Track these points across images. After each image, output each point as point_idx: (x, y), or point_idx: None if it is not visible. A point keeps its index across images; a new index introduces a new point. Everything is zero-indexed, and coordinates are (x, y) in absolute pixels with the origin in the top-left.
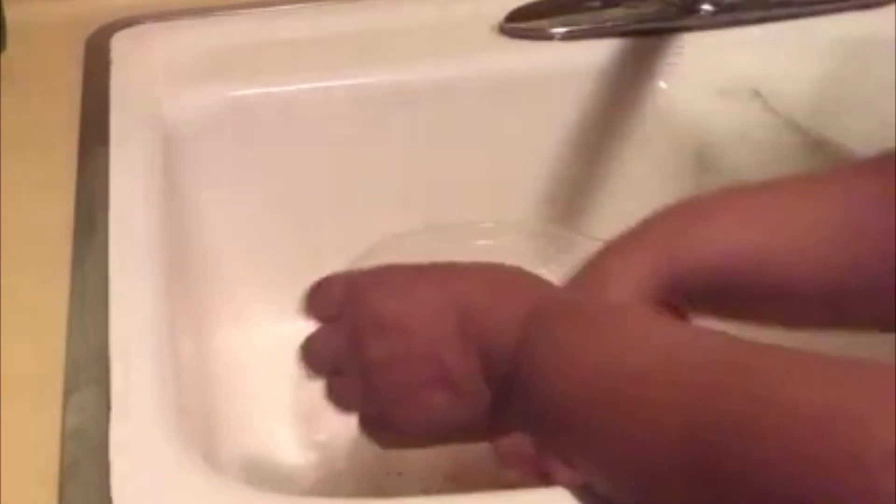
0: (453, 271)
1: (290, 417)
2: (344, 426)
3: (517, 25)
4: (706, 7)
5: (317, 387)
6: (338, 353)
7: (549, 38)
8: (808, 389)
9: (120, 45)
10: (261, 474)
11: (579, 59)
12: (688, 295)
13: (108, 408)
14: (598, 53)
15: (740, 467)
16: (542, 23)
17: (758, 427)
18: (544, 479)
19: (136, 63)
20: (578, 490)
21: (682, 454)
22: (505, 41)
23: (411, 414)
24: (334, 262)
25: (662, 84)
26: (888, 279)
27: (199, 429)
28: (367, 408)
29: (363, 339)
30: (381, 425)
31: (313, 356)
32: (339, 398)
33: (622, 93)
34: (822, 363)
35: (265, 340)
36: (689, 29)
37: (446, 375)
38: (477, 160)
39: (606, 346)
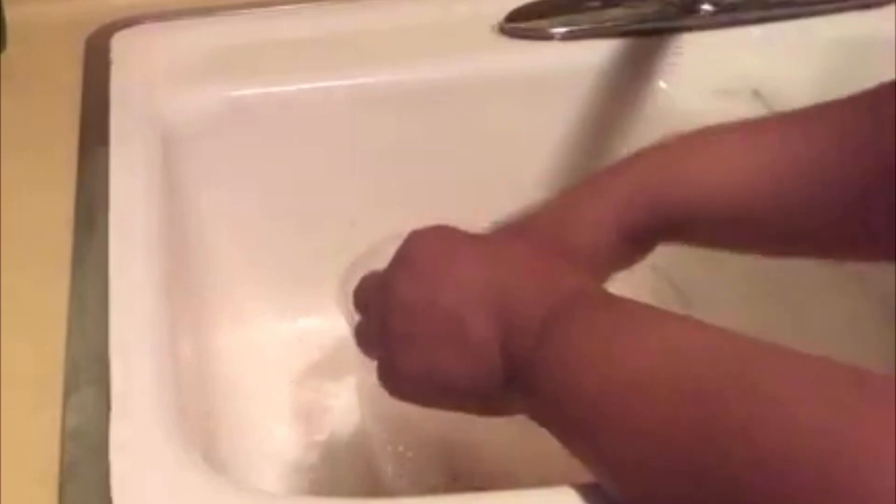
0: (497, 245)
1: (289, 417)
2: (344, 426)
3: (517, 25)
4: (706, 7)
5: (316, 386)
6: (370, 292)
7: (549, 38)
8: (811, 409)
9: (120, 45)
10: (261, 474)
11: (579, 59)
12: (661, 229)
13: (108, 408)
14: (598, 53)
15: (744, 472)
16: (542, 23)
17: (760, 444)
18: None
19: (136, 63)
20: (582, 489)
21: (686, 457)
22: (505, 41)
23: (420, 362)
24: (334, 262)
25: (662, 84)
26: (879, 217)
27: (199, 429)
28: (383, 349)
29: (393, 280)
30: (391, 368)
31: (357, 293)
32: (362, 337)
33: (622, 93)
34: (827, 378)
35: (265, 340)
36: (689, 29)
37: (463, 336)
38: (477, 160)
39: (619, 344)
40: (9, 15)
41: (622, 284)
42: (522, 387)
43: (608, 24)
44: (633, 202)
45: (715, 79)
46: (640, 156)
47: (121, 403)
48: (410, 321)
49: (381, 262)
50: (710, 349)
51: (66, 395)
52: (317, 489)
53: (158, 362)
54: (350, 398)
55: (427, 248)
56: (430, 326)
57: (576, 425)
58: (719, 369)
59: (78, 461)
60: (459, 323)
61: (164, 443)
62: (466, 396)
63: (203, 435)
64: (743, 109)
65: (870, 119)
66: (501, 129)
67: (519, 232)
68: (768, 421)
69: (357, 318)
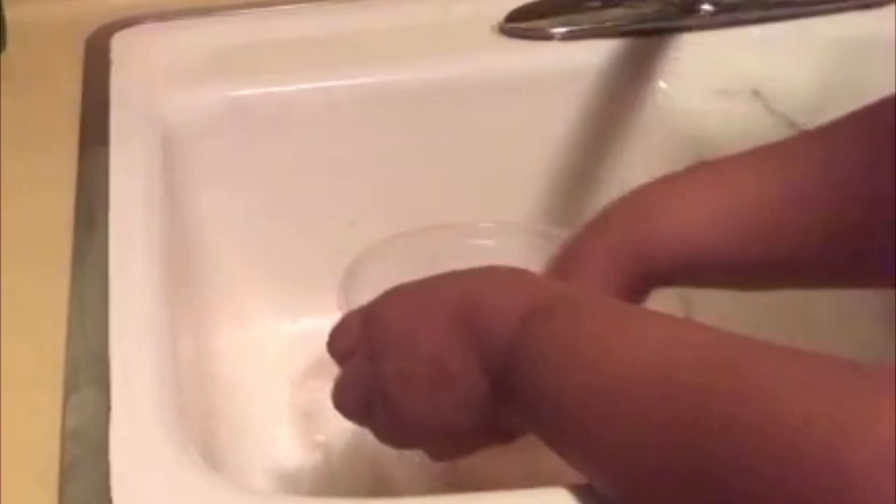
0: (453, 277)
1: (289, 417)
2: (344, 426)
3: (517, 25)
4: (706, 7)
5: (316, 387)
6: (363, 387)
7: (549, 38)
8: (799, 396)
9: (120, 45)
10: (261, 474)
11: (579, 59)
12: (648, 276)
13: (108, 408)
14: (598, 53)
15: (727, 471)
16: (542, 23)
17: (745, 432)
18: None
19: (136, 63)
20: (578, 490)
21: (671, 454)
22: (505, 41)
23: (420, 418)
24: (334, 262)
25: (662, 84)
26: (869, 245)
27: (199, 429)
28: (384, 417)
29: (376, 362)
30: (393, 429)
31: (343, 397)
32: (379, 434)
33: (622, 93)
34: (817, 368)
35: (265, 340)
36: (689, 29)
37: (448, 377)
38: (477, 160)
39: (602, 341)
40: (9, 15)
41: None
42: (507, 397)
43: (608, 24)
44: (615, 265)
45: (715, 79)
46: (613, 213)
47: (121, 403)
48: (403, 389)
49: (380, 262)
50: (694, 343)
51: (66, 395)
52: (316, 489)
53: (158, 362)
54: None
55: (390, 318)
56: (420, 385)
57: (559, 424)
58: (703, 361)
59: (78, 461)
60: (442, 367)
61: (164, 443)
62: (468, 433)
63: (203, 435)
64: (743, 109)
65: (865, 148)
66: (501, 129)
67: None
68: (754, 411)
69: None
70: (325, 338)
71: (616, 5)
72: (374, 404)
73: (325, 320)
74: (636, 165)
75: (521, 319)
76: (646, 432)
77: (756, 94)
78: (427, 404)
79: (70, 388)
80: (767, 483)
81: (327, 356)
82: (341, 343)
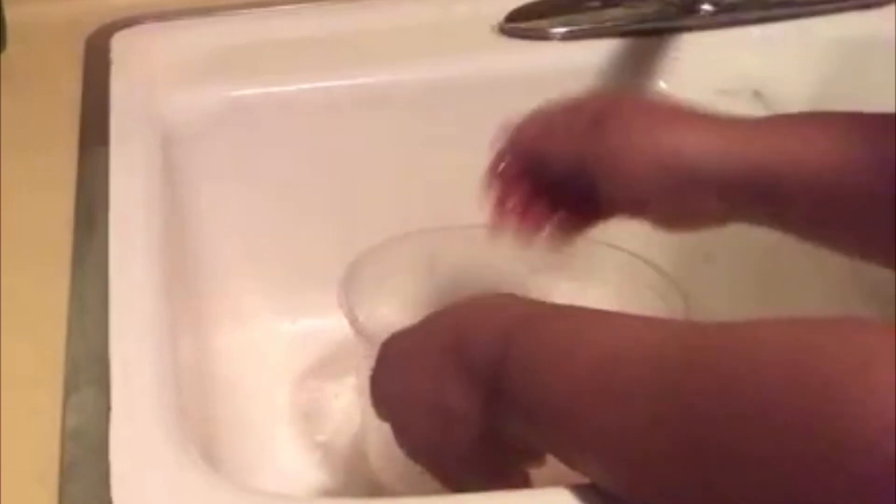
0: (440, 318)
1: (289, 417)
2: (344, 426)
3: (517, 25)
4: (706, 7)
5: (316, 387)
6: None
7: (549, 38)
8: (787, 354)
9: (120, 45)
10: (261, 474)
11: (579, 59)
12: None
13: (108, 408)
14: (598, 53)
15: (720, 434)
16: (542, 23)
17: (732, 394)
18: None
19: (136, 63)
20: (579, 489)
21: (659, 433)
22: (505, 41)
23: (433, 462)
24: (334, 263)
25: (662, 84)
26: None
27: (199, 429)
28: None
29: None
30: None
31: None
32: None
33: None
34: (801, 324)
35: (265, 340)
36: (689, 29)
37: (450, 422)
38: (477, 160)
39: (580, 333)
40: (9, 15)
41: (619, 279)
42: (502, 409)
43: (608, 24)
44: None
45: (715, 79)
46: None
47: (121, 403)
48: (410, 442)
49: (380, 262)
50: (673, 330)
51: (66, 395)
52: (316, 489)
53: (158, 362)
54: (350, 398)
55: (383, 377)
56: (427, 439)
57: (553, 423)
58: (682, 343)
59: (78, 461)
60: (446, 412)
61: (164, 443)
62: (480, 462)
63: (203, 435)
64: (743, 109)
65: None
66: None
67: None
68: (739, 368)
69: (358, 316)
70: (325, 338)
71: (616, 5)
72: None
73: (325, 320)
74: None
75: (504, 335)
76: (631, 414)
77: (756, 94)
78: (436, 453)
79: (70, 388)
80: (762, 445)
81: (327, 356)
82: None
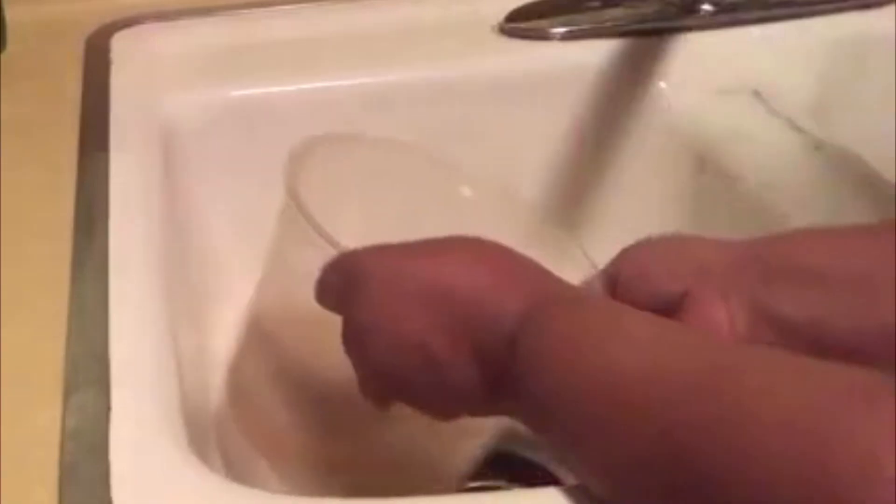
0: (446, 259)
1: None
2: None
3: (517, 25)
4: (706, 7)
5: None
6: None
7: (549, 38)
8: (793, 399)
9: (120, 45)
10: (261, 474)
11: (579, 59)
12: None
13: (108, 408)
14: (598, 53)
15: (713, 472)
16: (542, 23)
17: (734, 433)
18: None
19: (136, 63)
20: (576, 490)
21: (659, 454)
22: (505, 41)
23: (395, 389)
24: None
25: (662, 84)
26: None
27: (199, 429)
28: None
29: (358, 334)
30: (378, 395)
31: (326, 290)
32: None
33: (622, 93)
34: (809, 372)
35: None
36: (689, 29)
37: (434, 363)
38: (476, 160)
39: (597, 343)
40: (9, 15)
41: None
42: (505, 393)
43: (608, 24)
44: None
45: (715, 79)
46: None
47: (121, 403)
48: (385, 365)
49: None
50: (685, 344)
51: (66, 395)
52: (316, 489)
53: (158, 362)
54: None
55: (374, 289)
56: (400, 365)
57: (559, 428)
58: (693, 364)
59: (78, 461)
60: (427, 353)
61: (164, 443)
62: (449, 409)
63: (203, 435)
64: (743, 109)
65: None
66: (501, 129)
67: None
68: (741, 419)
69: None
70: None
71: (616, 5)
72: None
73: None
74: (636, 165)
75: (518, 318)
76: (634, 432)
77: (756, 94)
78: (412, 383)
79: (70, 388)
80: (755, 486)
81: None
82: (325, 299)
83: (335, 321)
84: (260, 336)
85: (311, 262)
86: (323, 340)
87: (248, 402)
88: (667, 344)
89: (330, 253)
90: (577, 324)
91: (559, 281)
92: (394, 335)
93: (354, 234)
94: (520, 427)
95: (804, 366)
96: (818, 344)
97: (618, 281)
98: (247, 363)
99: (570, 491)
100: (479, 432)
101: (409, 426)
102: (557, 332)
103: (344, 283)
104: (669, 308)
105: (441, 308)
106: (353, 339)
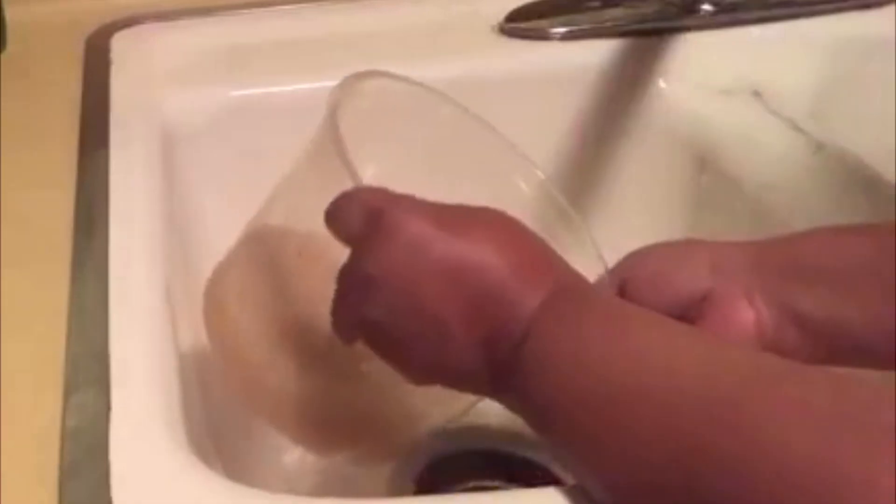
0: (479, 237)
1: None
2: None
3: (517, 25)
4: (706, 7)
5: None
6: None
7: (549, 38)
8: (808, 442)
9: (120, 45)
10: (261, 474)
11: (579, 59)
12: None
13: (108, 408)
14: (598, 53)
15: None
16: (542, 23)
17: (747, 471)
18: None
19: (136, 63)
20: (575, 490)
21: (668, 477)
22: (505, 41)
23: (381, 346)
24: None
25: (662, 84)
26: None
27: (199, 428)
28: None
29: (365, 281)
30: (349, 332)
31: (343, 222)
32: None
33: (622, 93)
34: (828, 409)
35: None
36: (689, 29)
37: (443, 337)
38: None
39: (612, 353)
40: (9, 15)
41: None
42: (507, 385)
43: (608, 24)
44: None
45: (715, 79)
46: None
47: (121, 403)
48: (393, 327)
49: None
50: (700, 359)
51: (66, 395)
52: (316, 489)
53: (158, 362)
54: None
55: (398, 248)
56: (399, 321)
57: (564, 431)
58: (709, 388)
59: (78, 461)
60: (437, 322)
61: (164, 443)
62: (429, 378)
63: (203, 435)
64: (743, 109)
65: None
66: (501, 129)
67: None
68: (754, 457)
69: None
70: None
71: (616, 5)
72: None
73: None
74: (636, 165)
75: (532, 314)
76: (645, 454)
77: (756, 94)
78: (403, 345)
79: (70, 388)
80: None
81: None
82: (338, 230)
83: (336, 255)
84: (253, 252)
85: (331, 193)
86: (315, 269)
87: (222, 316)
88: (680, 363)
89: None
90: (590, 329)
91: (574, 274)
92: (408, 299)
93: (381, 171)
94: (519, 427)
95: (824, 399)
96: (838, 342)
97: (626, 284)
98: (231, 277)
99: (570, 491)
100: (451, 406)
101: (383, 376)
102: (569, 335)
103: (366, 221)
104: (689, 310)
105: (465, 286)
106: (357, 282)
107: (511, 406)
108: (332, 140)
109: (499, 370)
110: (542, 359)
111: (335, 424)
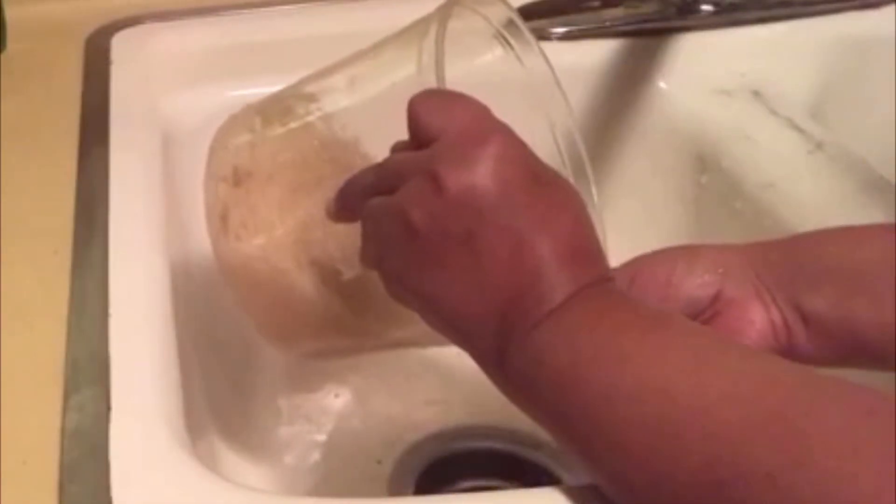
0: (557, 199)
1: (289, 417)
2: (344, 426)
3: None
4: (706, 7)
5: (317, 386)
6: (402, 170)
7: (549, 38)
8: (851, 465)
9: (120, 45)
10: (260, 474)
11: (579, 59)
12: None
13: (108, 408)
14: (598, 53)
15: None
16: (542, 23)
17: (787, 495)
18: None
19: (136, 63)
20: (577, 490)
21: (696, 488)
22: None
23: (422, 271)
24: None
25: (662, 84)
26: None
27: (200, 428)
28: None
29: (436, 188)
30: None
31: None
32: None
33: (622, 93)
34: (870, 431)
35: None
36: (689, 29)
37: (476, 270)
38: None
39: (646, 369)
40: (9, 15)
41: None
42: (502, 360)
43: (608, 24)
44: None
45: (715, 79)
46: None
47: (121, 403)
48: (434, 221)
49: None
50: (744, 387)
51: (66, 395)
52: (316, 489)
53: (158, 362)
54: (350, 398)
55: (490, 174)
56: (445, 239)
57: (564, 430)
58: (747, 420)
59: (78, 461)
60: (478, 260)
61: (164, 443)
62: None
63: (203, 435)
64: (743, 109)
65: None
66: None
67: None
68: (795, 481)
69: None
70: None
71: (616, 5)
72: (384, 227)
73: None
74: (636, 165)
75: (557, 305)
76: (675, 470)
77: (756, 94)
78: (436, 268)
79: (70, 388)
80: None
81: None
82: (419, 126)
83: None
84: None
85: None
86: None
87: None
88: (719, 389)
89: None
90: (624, 340)
91: (609, 277)
92: (466, 217)
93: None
94: (519, 427)
95: (868, 420)
96: (851, 343)
97: (634, 282)
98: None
99: (570, 491)
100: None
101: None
102: (591, 328)
103: (463, 129)
104: (699, 311)
105: (521, 243)
106: (425, 178)
107: (502, 383)
108: (437, 37)
109: (503, 340)
110: (548, 355)
111: (304, 322)
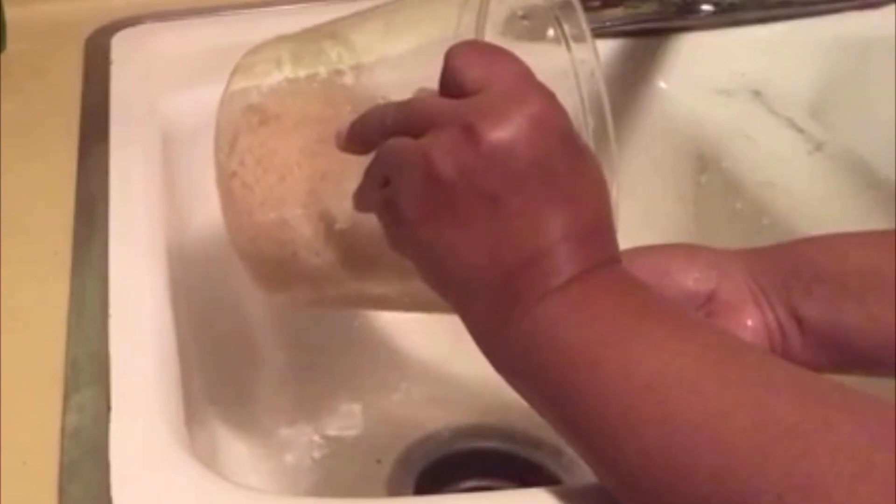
0: (587, 176)
1: (289, 417)
2: (344, 426)
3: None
4: (706, 7)
5: (317, 386)
6: (434, 115)
7: (549, 38)
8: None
9: (120, 45)
10: (261, 474)
11: (579, 60)
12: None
13: (108, 408)
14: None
15: None
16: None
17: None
18: None
19: (136, 63)
20: (575, 490)
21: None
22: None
23: (435, 218)
24: None
25: (662, 84)
26: None
27: (200, 428)
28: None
29: (469, 138)
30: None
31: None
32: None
33: (622, 93)
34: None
35: None
36: (689, 29)
37: (492, 230)
38: None
39: (665, 362)
40: (9, 15)
41: None
42: (498, 331)
43: (608, 24)
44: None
45: (715, 79)
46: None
47: (121, 403)
48: (462, 173)
49: None
50: (754, 387)
51: (66, 395)
52: (316, 489)
53: (158, 362)
54: (350, 398)
55: (527, 147)
56: (468, 194)
57: (562, 419)
58: (760, 431)
59: (78, 461)
60: (499, 218)
61: (164, 443)
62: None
63: (203, 435)
64: (743, 109)
65: None
66: None
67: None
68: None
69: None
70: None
71: (616, 5)
72: (404, 171)
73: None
74: (636, 165)
75: (562, 282)
76: (684, 476)
77: (756, 94)
78: (452, 220)
79: (70, 388)
80: None
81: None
82: (453, 81)
83: None
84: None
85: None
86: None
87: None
88: (731, 397)
89: None
90: (638, 330)
91: (618, 261)
92: (496, 173)
93: None
94: (519, 427)
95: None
96: (843, 348)
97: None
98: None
99: (570, 491)
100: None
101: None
102: (578, 323)
103: (508, 89)
104: (694, 308)
105: (542, 212)
106: (459, 127)
107: (493, 351)
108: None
109: (505, 307)
110: (560, 328)
111: (298, 271)
